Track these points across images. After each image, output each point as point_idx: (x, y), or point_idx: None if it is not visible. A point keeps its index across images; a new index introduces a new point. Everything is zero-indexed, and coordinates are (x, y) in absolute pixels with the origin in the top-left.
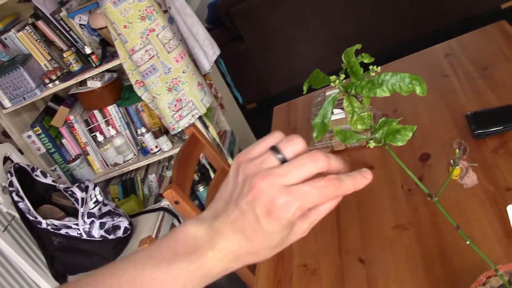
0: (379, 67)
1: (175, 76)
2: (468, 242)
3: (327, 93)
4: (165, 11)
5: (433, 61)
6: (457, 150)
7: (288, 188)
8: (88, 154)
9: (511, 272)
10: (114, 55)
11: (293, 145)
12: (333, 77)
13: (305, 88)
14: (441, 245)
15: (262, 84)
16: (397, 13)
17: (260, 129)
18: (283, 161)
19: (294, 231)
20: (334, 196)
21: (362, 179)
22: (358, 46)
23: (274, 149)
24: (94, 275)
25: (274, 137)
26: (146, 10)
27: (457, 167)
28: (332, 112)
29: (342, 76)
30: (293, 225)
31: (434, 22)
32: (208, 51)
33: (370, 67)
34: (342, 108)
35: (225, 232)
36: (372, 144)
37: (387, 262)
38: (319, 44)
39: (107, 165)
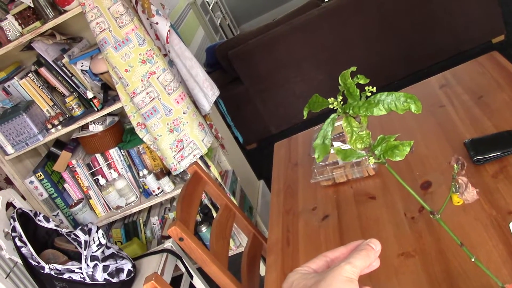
0: (375, 87)
1: (176, 117)
2: (473, 259)
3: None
4: (165, 55)
5: (428, 92)
6: (455, 165)
7: None
8: (90, 198)
9: None
10: (116, 99)
11: None
12: (331, 99)
13: (305, 113)
14: (447, 270)
15: (261, 124)
16: (389, 53)
17: (261, 168)
18: None
19: None
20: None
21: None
22: (354, 68)
23: None
24: None
25: None
26: (146, 53)
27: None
28: (332, 145)
29: (340, 97)
30: None
31: (426, 60)
32: (207, 92)
33: (366, 87)
34: (342, 141)
35: None
36: (372, 161)
37: None
38: (314, 83)
39: (109, 209)
